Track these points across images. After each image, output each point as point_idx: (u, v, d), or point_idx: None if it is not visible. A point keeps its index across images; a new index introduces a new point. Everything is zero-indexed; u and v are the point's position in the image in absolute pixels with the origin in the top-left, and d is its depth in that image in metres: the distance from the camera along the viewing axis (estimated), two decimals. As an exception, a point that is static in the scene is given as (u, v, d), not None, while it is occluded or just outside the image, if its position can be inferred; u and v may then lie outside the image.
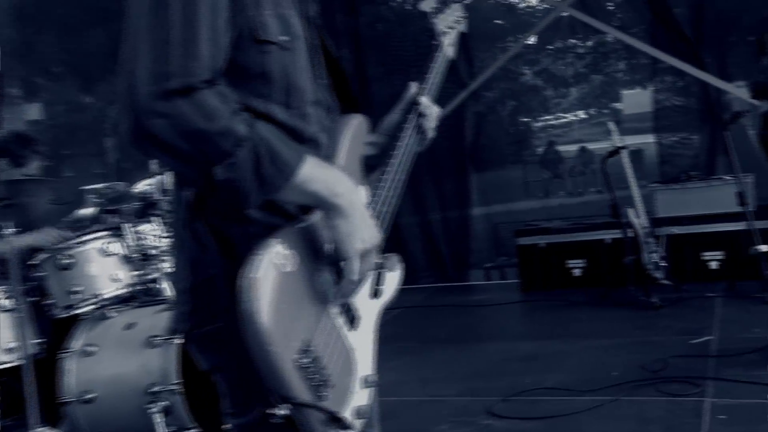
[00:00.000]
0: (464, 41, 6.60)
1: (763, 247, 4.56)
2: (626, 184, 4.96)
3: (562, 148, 11.82)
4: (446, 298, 5.74)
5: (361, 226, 1.08)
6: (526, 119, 10.28)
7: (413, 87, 1.48)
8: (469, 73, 6.56)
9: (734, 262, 5.04)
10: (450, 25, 1.57)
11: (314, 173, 1.04)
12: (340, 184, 1.07)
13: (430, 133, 1.46)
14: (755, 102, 3.33)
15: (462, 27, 1.63)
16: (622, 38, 5.91)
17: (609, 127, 5.12)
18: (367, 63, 6.46)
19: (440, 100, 1.55)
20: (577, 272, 5.51)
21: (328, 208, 1.07)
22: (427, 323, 5.00)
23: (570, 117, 14.80)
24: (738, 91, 5.36)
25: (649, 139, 6.27)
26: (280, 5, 1.11)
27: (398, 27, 7.12)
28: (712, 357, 3.46)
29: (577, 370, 3.60)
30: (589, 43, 10.70)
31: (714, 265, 5.16)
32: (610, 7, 8.99)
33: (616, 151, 5.00)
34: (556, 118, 13.51)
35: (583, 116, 14.57)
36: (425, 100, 1.45)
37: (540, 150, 11.04)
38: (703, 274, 5.16)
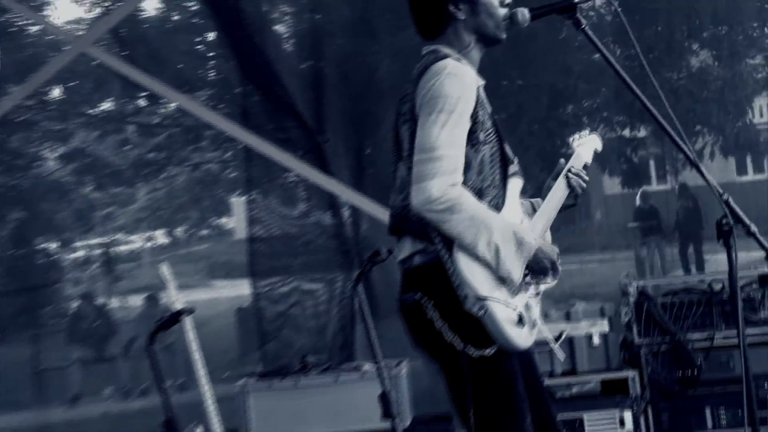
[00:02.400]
0: None
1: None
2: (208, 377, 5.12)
3: (116, 301, 11.94)
4: None
5: None
6: (42, 245, 10.24)
7: None
8: None
9: None
10: None
11: None
12: None
13: None
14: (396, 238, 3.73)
15: None
16: (191, 111, 6.33)
17: (160, 272, 5.31)
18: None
19: None
20: None
21: None
22: None
23: (136, 241, 15.08)
24: (376, 211, 6.04)
25: (247, 289, 6.67)
26: None
27: None
28: None
29: None
30: (170, 108, 11.23)
31: None
32: (201, 48, 9.73)
33: (173, 319, 5.16)
34: (111, 244, 13.67)
35: (163, 240, 14.95)
36: None
37: (73, 307, 10.99)
38: None
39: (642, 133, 14.28)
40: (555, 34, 10.57)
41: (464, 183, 3.43)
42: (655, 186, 18.77)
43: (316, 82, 6.81)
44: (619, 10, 3.73)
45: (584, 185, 3.82)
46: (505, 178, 3.62)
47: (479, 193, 3.48)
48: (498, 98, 9.33)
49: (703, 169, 3.40)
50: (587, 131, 4.01)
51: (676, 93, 12.35)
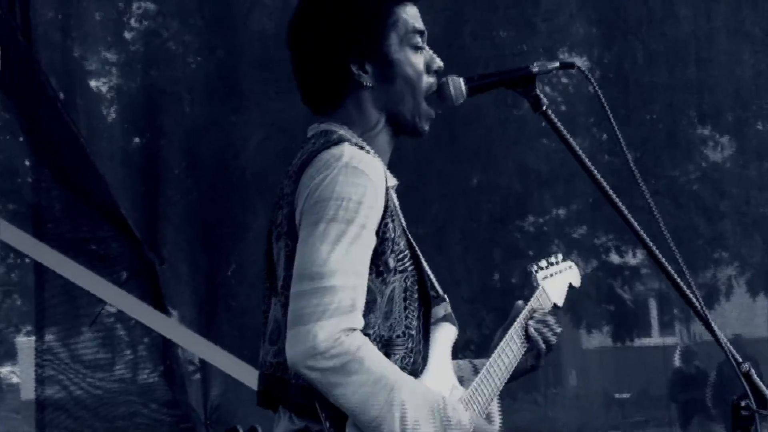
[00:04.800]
0: None
1: None
2: None
3: None
4: None
5: None
6: None
7: None
8: None
9: None
10: None
11: None
12: None
13: None
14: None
15: None
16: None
17: None
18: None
19: None
20: None
21: None
22: None
23: None
24: (235, 368, 6.12)
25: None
26: None
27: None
28: None
29: None
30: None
31: None
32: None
33: None
34: None
35: None
36: None
37: None
38: None
39: (636, 258, 13.97)
40: (506, 111, 10.62)
41: (364, 330, 3.36)
42: (657, 338, 18.54)
43: (150, 169, 6.81)
44: (592, 80, 3.81)
45: (552, 339, 3.85)
46: (426, 324, 3.58)
47: (386, 347, 3.44)
48: (417, 205, 9.32)
49: (712, 322, 3.46)
50: (559, 256, 4.08)
51: (678, 201, 12.38)
